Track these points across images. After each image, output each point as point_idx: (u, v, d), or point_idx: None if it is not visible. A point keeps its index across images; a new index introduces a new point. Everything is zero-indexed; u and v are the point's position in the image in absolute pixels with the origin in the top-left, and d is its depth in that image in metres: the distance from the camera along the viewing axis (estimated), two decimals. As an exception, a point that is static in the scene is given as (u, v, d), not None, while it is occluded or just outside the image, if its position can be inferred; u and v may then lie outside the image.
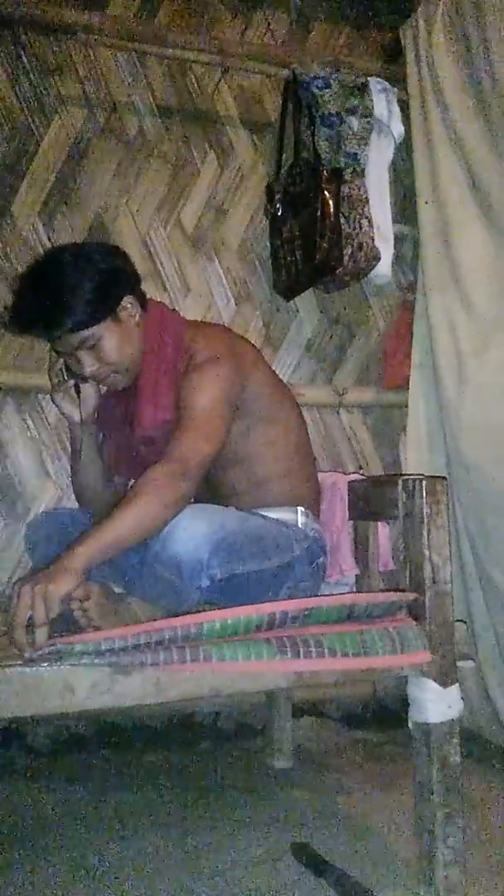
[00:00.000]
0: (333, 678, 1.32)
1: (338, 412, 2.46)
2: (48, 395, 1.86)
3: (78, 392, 1.64)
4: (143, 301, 1.62)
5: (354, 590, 1.78)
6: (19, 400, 2.14)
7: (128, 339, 1.56)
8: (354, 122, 2.20)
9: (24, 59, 2.20)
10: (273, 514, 1.60)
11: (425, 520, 1.36)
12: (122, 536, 1.30)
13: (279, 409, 1.65)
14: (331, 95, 2.20)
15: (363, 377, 2.50)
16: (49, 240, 2.19)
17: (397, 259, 2.37)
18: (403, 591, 1.40)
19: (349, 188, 2.19)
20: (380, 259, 2.23)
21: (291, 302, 2.40)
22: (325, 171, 2.15)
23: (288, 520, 1.61)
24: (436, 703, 1.33)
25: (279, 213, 2.27)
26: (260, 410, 1.60)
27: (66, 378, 1.64)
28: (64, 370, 1.63)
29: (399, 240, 2.35)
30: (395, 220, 2.32)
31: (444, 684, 1.33)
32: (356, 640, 1.28)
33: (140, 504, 1.32)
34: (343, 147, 2.18)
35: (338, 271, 2.18)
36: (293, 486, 1.65)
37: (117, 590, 1.49)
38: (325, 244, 2.13)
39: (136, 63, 2.31)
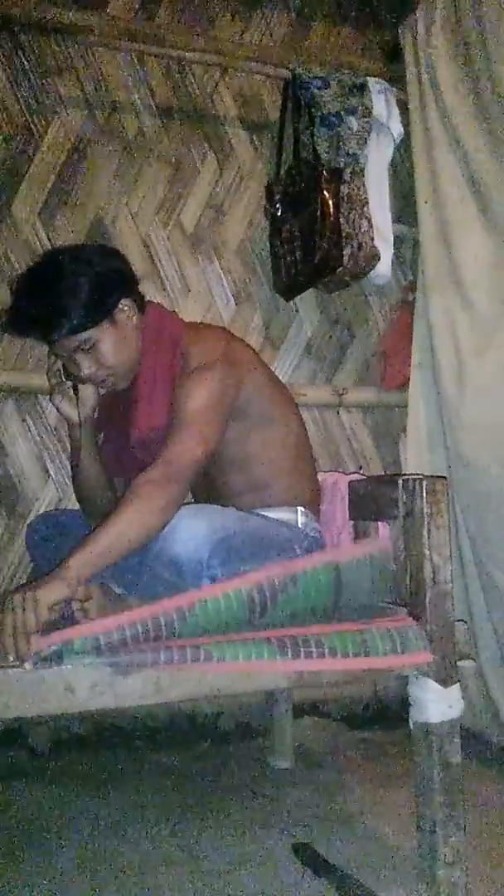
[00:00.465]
0: (334, 678, 1.32)
1: (338, 412, 2.46)
2: (48, 396, 1.86)
3: (76, 393, 1.64)
4: (140, 303, 1.62)
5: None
6: (19, 400, 2.14)
7: (125, 341, 1.56)
8: (354, 123, 2.20)
9: (24, 60, 2.20)
10: (273, 514, 1.60)
11: (425, 520, 1.36)
12: (113, 547, 1.30)
13: (277, 410, 1.65)
14: (330, 95, 2.20)
15: (363, 377, 2.50)
16: (49, 240, 2.19)
17: (397, 259, 2.38)
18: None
19: (349, 188, 2.19)
20: (379, 259, 2.23)
21: (291, 302, 2.40)
22: (324, 172, 2.15)
23: (288, 520, 1.61)
24: (436, 703, 1.32)
25: (279, 214, 2.27)
26: (258, 413, 1.60)
27: (64, 379, 1.64)
28: (62, 372, 1.64)
29: (399, 240, 2.35)
30: (394, 220, 2.32)
31: (444, 684, 1.33)
32: (356, 640, 1.28)
33: (128, 513, 1.32)
34: (342, 147, 2.18)
35: (337, 271, 2.18)
36: (293, 486, 1.65)
37: (117, 590, 1.48)
38: (324, 244, 2.13)
39: (135, 63, 2.31)
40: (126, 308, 1.56)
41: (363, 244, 2.18)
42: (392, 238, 2.28)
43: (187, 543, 1.34)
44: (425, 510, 1.36)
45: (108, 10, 2.28)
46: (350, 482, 1.78)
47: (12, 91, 2.19)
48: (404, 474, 1.76)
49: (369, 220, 2.21)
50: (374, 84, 2.26)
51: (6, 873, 1.42)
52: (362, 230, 2.18)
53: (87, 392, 1.65)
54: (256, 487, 1.62)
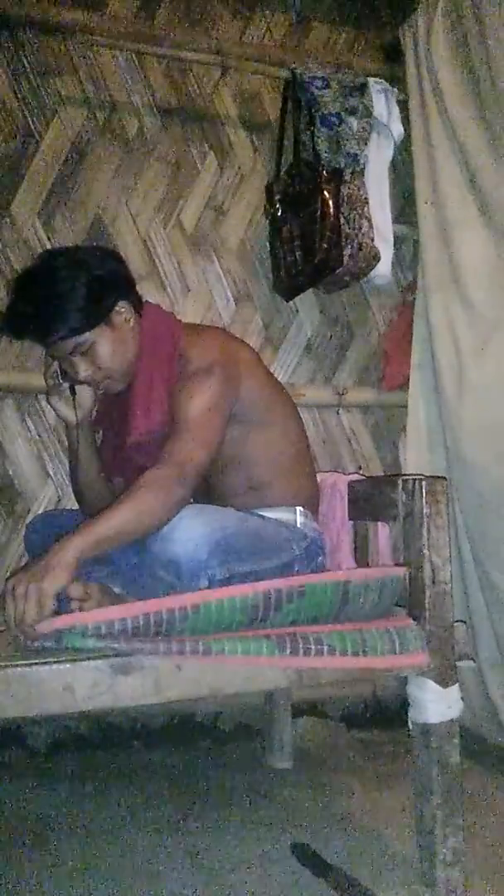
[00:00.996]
0: (333, 678, 1.32)
1: (338, 412, 2.46)
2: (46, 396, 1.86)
3: (74, 394, 1.64)
4: (138, 305, 1.62)
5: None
6: (19, 400, 2.14)
7: (122, 344, 1.55)
8: (354, 123, 2.19)
9: (24, 60, 2.20)
10: (272, 514, 1.60)
11: (425, 520, 1.36)
12: (119, 530, 1.31)
13: (276, 412, 1.65)
14: (330, 96, 2.20)
15: (363, 377, 2.50)
16: (49, 240, 2.19)
17: (397, 259, 2.37)
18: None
19: (349, 188, 2.19)
20: (379, 259, 2.23)
21: (291, 302, 2.40)
22: (324, 172, 2.15)
23: (287, 520, 1.61)
24: (436, 703, 1.33)
25: (279, 214, 2.27)
26: (256, 415, 1.60)
27: (61, 381, 1.64)
28: (59, 373, 1.64)
29: (399, 240, 2.35)
30: (394, 221, 2.32)
31: (443, 684, 1.33)
32: (356, 639, 1.29)
33: (139, 500, 1.33)
34: (342, 147, 2.18)
35: (337, 271, 2.18)
36: (291, 486, 1.65)
37: (116, 590, 1.48)
38: (324, 244, 2.13)
39: (135, 63, 2.31)
40: (123, 310, 1.56)
41: (363, 244, 2.18)
42: (392, 238, 2.28)
43: (186, 544, 1.34)
44: (425, 510, 1.36)
45: (108, 10, 2.27)
46: (350, 482, 1.78)
47: (12, 91, 2.19)
48: (404, 474, 1.77)
49: (369, 221, 2.21)
50: (375, 84, 2.26)
51: (6, 873, 1.42)
52: (362, 230, 2.18)
53: (85, 393, 1.65)
54: (255, 487, 1.62)
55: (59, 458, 2.15)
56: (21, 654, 1.19)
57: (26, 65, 2.20)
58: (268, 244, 2.34)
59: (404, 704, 1.38)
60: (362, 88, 2.23)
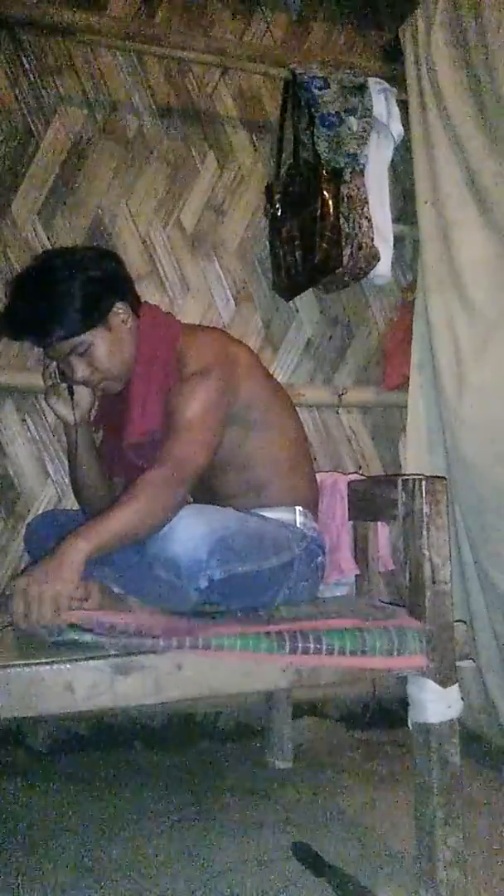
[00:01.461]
0: (333, 677, 1.32)
1: (337, 412, 2.46)
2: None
3: (72, 394, 1.64)
4: (136, 306, 1.62)
5: (354, 590, 1.78)
6: (19, 400, 2.14)
7: (119, 345, 1.56)
8: (354, 123, 2.19)
9: (24, 60, 2.20)
10: (271, 514, 1.60)
11: (425, 520, 1.36)
12: (121, 533, 1.32)
13: (274, 413, 1.65)
14: (330, 95, 2.19)
15: (363, 377, 2.50)
16: (48, 240, 2.19)
17: (397, 259, 2.37)
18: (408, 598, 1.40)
19: (348, 188, 2.18)
20: (379, 259, 2.23)
21: (291, 302, 2.40)
22: (324, 172, 2.15)
23: (286, 520, 1.61)
24: (435, 704, 1.33)
25: (279, 214, 2.27)
26: (255, 416, 1.60)
27: (59, 381, 1.64)
28: (57, 373, 1.64)
29: (399, 240, 2.35)
30: (394, 221, 2.32)
31: (443, 684, 1.33)
32: (356, 639, 1.29)
33: (142, 501, 1.34)
34: (342, 147, 2.18)
35: (337, 271, 2.18)
36: (291, 486, 1.65)
37: (116, 590, 1.48)
38: (324, 244, 2.13)
39: (135, 63, 2.31)
40: (121, 311, 1.56)
41: (363, 244, 2.18)
42: (392, 238, 2.28)
43: (186, 543, 1.34)
44: (425, 510, 1.36)
45: (108, 10, 2.28)
46: (350, 482, 1.78)
47: (12, 91, 2.19)
48: (404, 475, 1.77)
49: (369, 220, 2.21)
50: (374, 84, 2.26)
51: (6, 873, 1.42)
52: (362, 230, 2.18)
53: (83, 393, 1.65)
54: (255, 487, 1.62)
55: (59, 458, 2.15)
56: (23, 651, 1.19)
57: (26, 65, 2.20)
58: (267, 244, 2.34)
59: (404, 704, 1.38)
60: (362, 88, 2.23)
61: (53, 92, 2.22)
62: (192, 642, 1.20)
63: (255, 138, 2.43)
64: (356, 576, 1.77)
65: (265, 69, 2.32)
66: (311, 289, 2.35)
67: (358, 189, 2.21)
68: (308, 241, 2.17)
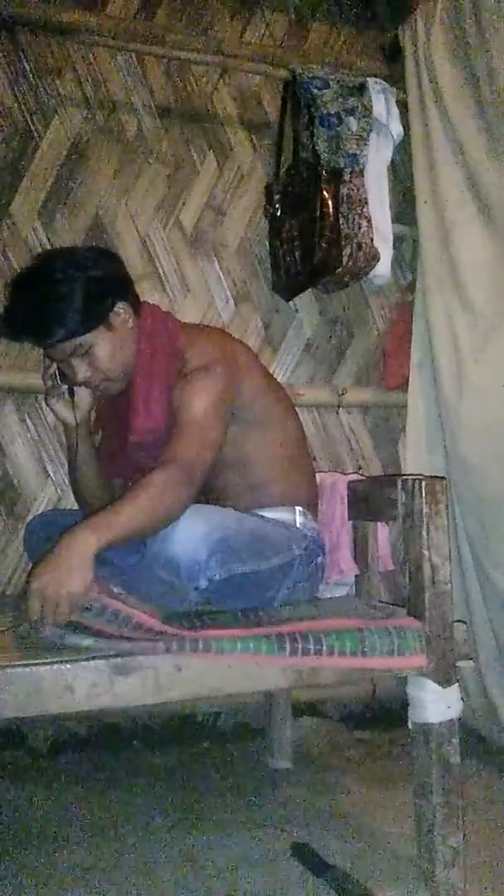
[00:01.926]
0: (333, 678, 1.32)
1: (337, 412, 2.46)
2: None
3: (72, 395, 1.64)
4: (136, 306, 1.61)
5: (354, 590, 1.78)
6: (19, 400, 2.14)
7: (120, 346, 1.55)
8: (353, 123, 2.19)
9: (24, 60, 2.20)
10: (271, 514, 1.60)
11: (425, 520, 1.36)
12: (133, 529, 1.31)
13: (274, 412, 1.65)
14: (330, 96, 2.19)
15: (362, 377, 2.50)
16: (48, 240, 2.19)
17: (397, 259, 2.37)
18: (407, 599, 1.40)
19: (348, 188, 2.18)
20: (379, 259, 2.23)
21: (291, 302, 2.40)
22: (324, 172, 2.15)
23: (286, 520, 1.61)
24: (435, 703, 1.33)
25: (278, 214, 2.27)
26: (255, 415, 1.60)
27: (59, 382, 1.64)
28: (57, 374, 1.63)
29: (398, 240, 2.34)
30: (394, 221, 2.31)
31: (443, 684, 1.33)
32: (356, 639, 1.29)
33: (151, 498, 1.33)
34: (342, 147, 2.18)
35: (337, 271, 2.18)
36: (290, 486, 1.65)
37: (116, 590, 1.48)
38: (324, 244, 2.13)
39: (135, 63, 2.31)
40: (121, 312, 1.56)
41: (363, 244, 2.18)
42: (392, 238, 2.27)
43: (185, 544, 1.34)
44: (424, 511, 1.36)
45: (108, 10, 2.27)
46: (349, 483, 1.78)
47: (12, 91, 2.19)
48: (404, 475, 1.77)
49: (369, 221, 2.20)
50: (374, 84, 2.25)
51: (5, 873, 1.42)
52: (362, 230, 2.18)
53: (83, 394, 1.64)
54: (254, 488, 1.62)
55: (59, 459, 2.15)
56: (23, 652, 1.19)
57: (26, 65, 2.20)
58: (267, 244, 2.34)
59: (404, 704, 1.38)
60: (361, 88, 2.23)
61: (53, 92, 2.22)
62: (193, 645, 1.20)
63: (254, 138, 2.43)
64: (356, 576, 1.77)
65: (265, 69, 2.32)
66: (310, 289, 2.35)
67: (357, 189, 2.20)
68: (308, 241, 2.17)
